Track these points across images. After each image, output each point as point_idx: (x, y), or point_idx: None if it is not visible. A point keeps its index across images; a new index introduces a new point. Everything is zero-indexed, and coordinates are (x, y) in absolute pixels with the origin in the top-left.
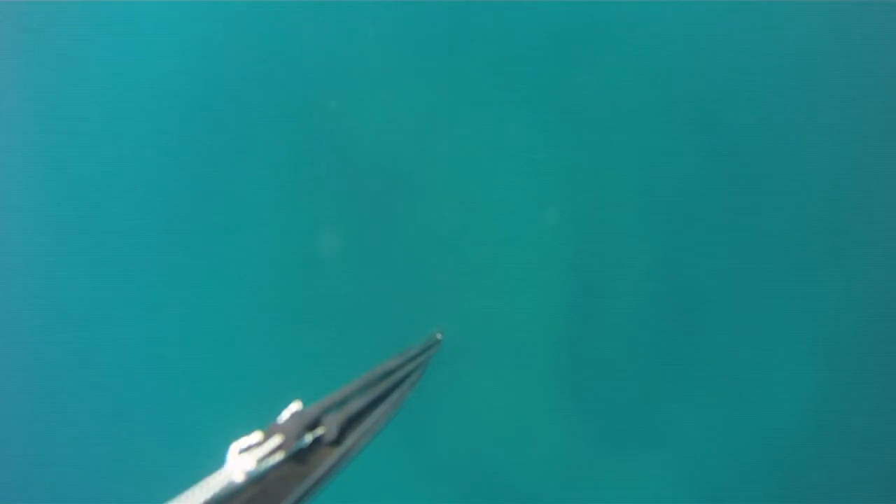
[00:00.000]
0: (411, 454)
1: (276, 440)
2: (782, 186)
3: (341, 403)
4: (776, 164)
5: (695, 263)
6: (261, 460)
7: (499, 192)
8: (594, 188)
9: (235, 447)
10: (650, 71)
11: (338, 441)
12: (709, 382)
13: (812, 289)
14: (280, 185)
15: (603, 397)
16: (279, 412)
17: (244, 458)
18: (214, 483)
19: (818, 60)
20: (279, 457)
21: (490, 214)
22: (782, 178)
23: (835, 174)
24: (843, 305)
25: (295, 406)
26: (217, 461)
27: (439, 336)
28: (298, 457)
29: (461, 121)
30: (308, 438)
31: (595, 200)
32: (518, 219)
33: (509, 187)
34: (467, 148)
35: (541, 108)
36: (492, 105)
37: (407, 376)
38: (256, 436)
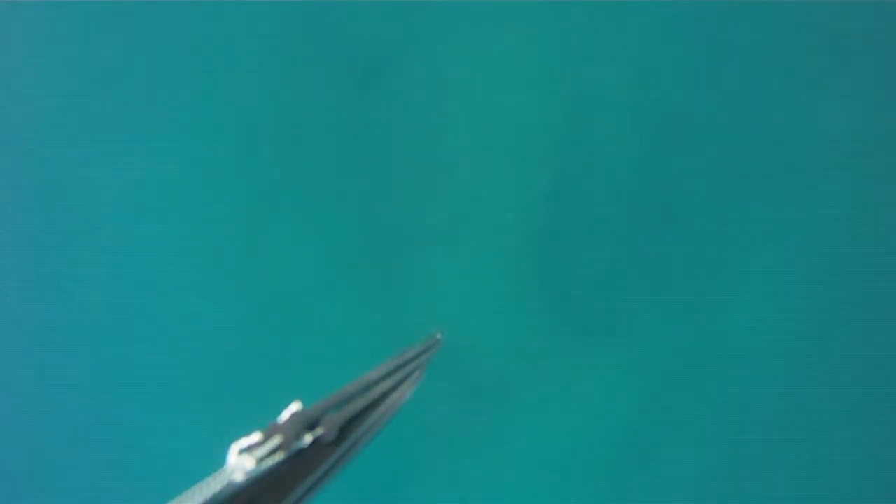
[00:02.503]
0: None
1: (276, 440)
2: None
3: (341, 403)
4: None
5: (674, 168)
6: (261, 460)
7: (476, 87)
8: (578, 83)
9: (235, 447)
10: None
11: (338, 441)
12: (678, 287)
13: (786, 205)
14: (282, 184)
15: (572, 289)
16: (279, 412)
17: (244, 458)
18: (214, 483)
19: None
20: (279, 457)
21: (466, 109)
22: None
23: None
24: (818, 220)
25: (295, 406)
26: (217, 461)
27: (439, 336)
28: (298, 457)
29: (439, 19)
30: (308, 438)
31: (579, 95)
32: (494, 112)
33: (487, 84)
34: (444, 45)
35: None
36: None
37: (407, 376)
38: (256, 436)
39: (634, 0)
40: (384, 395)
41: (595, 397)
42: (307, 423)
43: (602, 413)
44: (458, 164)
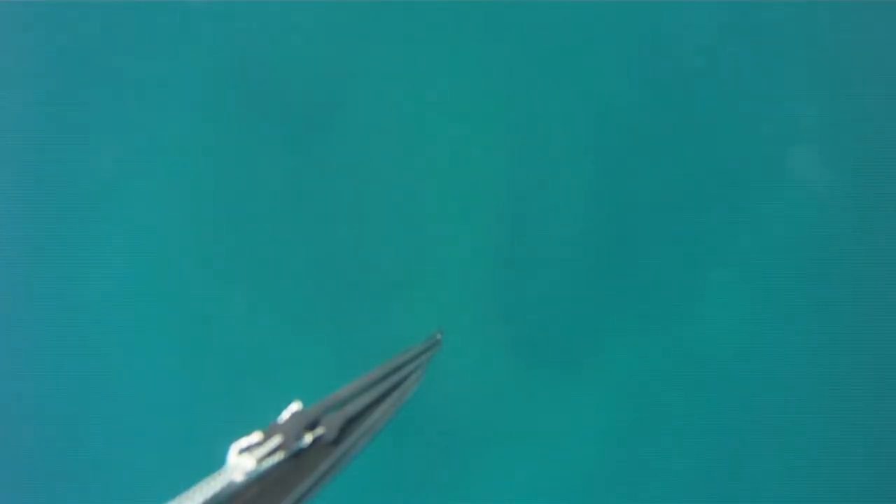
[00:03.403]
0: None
1: (276, 440)
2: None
3: (341, 403)
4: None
5: (630, 191)
6: (261, 460)
7: (430, 116)
8: (530, 112)
9: (235, 447)
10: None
11: (338, 441)
12: (641, 307)
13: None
14: (281, 184)
15: (535, 323)
16: (279, 412)
17: (244, 458)
18: (214, 483)
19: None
20: (279, 457)
21: (419, 141)
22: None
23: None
24: (776, 231)
25: (295, 406)
26: (217, 461)
27: (439, 336)
28: (298, 457)
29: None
30: (308, 438)
31: (531, 124)
32: (439, 153)
33: (441, 111)
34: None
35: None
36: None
37: (407, 376)
38: (256, 436)
39: (584, 30)
40: (384, 396)
41: (570, 433)
42: (307, 423)
43: (578, 448)
44: (408, 209)
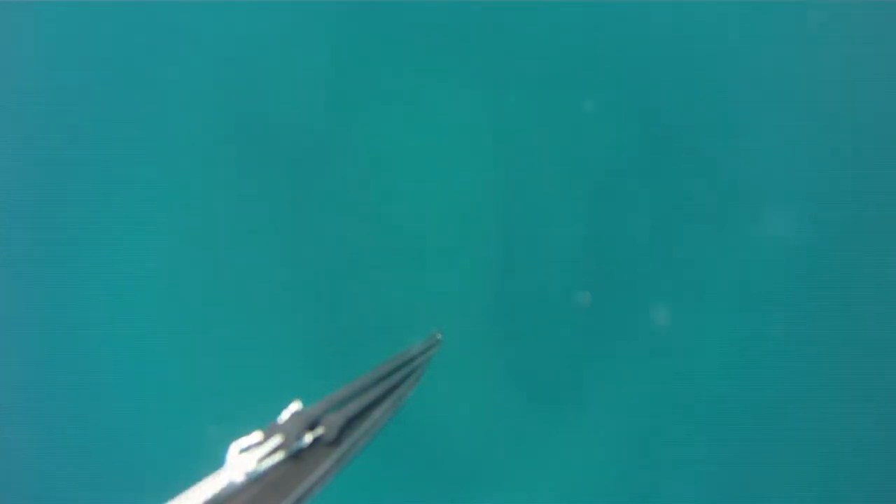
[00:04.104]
0: None
1: (276, 440)
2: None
3: (341, 403)
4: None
5: (628, 209)
6: (261, 460)
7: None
8: (513, 152)
9: (235, 447)
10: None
11: (337, 441)
12: (638, 344)
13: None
14: (281, 186)
15: (531, 361)
16: (279, 412)
17: (244, 457)
18: (214, 483)
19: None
20: (279, 457)
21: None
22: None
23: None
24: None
25: (295, 406)
26: (217, 461)
27: (439, 336)
28: (298, 457)
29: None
30: (308, 438)
31: (525, 161)
32: (429, 191)
33: (435, 147)
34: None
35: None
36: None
37: (407, 376)
38: (256, 435)
39: (582, 43)
40: (384, 396)
41: (567, 459)
42: (307, 422)
43: (577, 474)
44: (404, 246)
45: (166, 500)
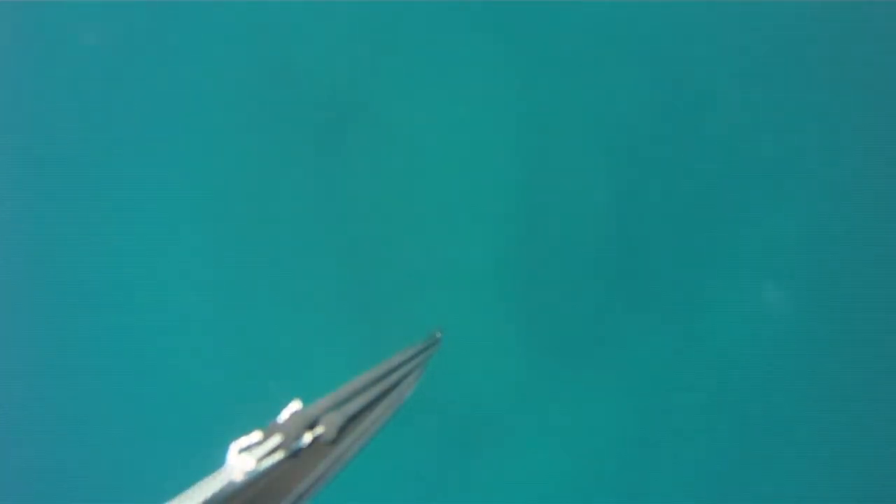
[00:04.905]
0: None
1: (276, 439)
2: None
3: (341, 403)
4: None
5: (646, 204)
6: (261, 459)
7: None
8: (547, 116)
9: (235, 446)
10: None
11: (337, 440)
12: (658, 307)
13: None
14: (281, 188)
15: (549, 320)
16: (279, 411)
17: (244, 457)
18: (214, 482)
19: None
20: (279, 456)
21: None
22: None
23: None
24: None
25: (294, 405)
26: (217, 460)
27: (439, 335)
28: (298, 456)
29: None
30: (307, 438)
31: (548, 127)
32: (463, 159)
33: (456, 134)
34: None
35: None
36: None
37: (406, 376)
38: (256, 435)
39: (605, 38)
40: (384, 394)
41: (580, 428)
42: (307, 422)
43: (589, 443)
44: (422, 210)
45: (167, 499)
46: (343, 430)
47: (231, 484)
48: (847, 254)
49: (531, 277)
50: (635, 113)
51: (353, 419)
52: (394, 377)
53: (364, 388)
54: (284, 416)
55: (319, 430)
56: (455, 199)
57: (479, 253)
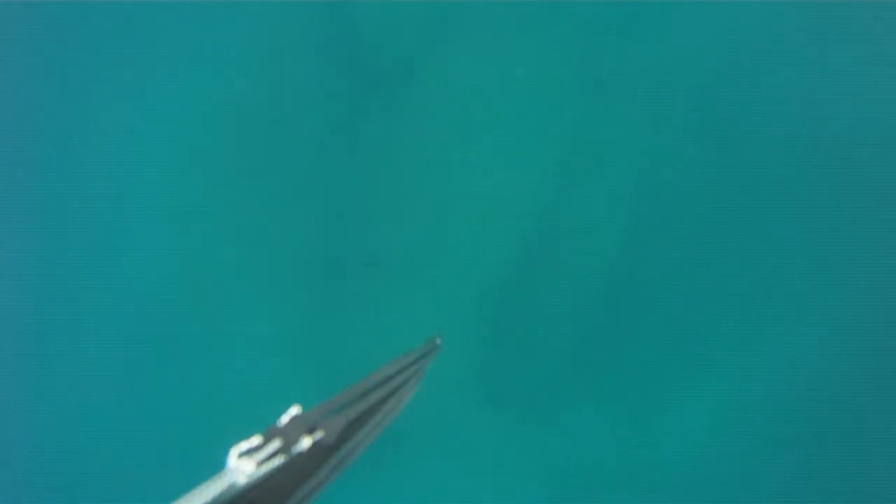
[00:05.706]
0: None
1: (276, 444)
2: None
3: (341, 407)
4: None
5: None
6: (260, 464)
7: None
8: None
9: (235, 451)
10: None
11: (337, 445)
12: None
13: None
14: (279, 191)
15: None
16: (279, 416)
17: (244, 461)
18: (214, 487)
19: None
20: (279, 460)
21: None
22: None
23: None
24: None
25: (294, 410)
26: (216, 465)
27: (438, 341)
28: (298, 460)
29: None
30: (307, 442)
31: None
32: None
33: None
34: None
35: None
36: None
37: (406, 380)
38: (256, 439)
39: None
40: (384, 399)
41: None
42: (307, 426)
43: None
44: (446, 196)
45: (167, 503)
46: (343, 434)
47: (231, 488)
48: None
49: (522, 314)
50: (670, 145)
51: (354, 424)
52: (394, 382)
53: (364, 393)
54: (284, 420)
55: (319, 434)
56: (459, 208)
57: (477, 269)
